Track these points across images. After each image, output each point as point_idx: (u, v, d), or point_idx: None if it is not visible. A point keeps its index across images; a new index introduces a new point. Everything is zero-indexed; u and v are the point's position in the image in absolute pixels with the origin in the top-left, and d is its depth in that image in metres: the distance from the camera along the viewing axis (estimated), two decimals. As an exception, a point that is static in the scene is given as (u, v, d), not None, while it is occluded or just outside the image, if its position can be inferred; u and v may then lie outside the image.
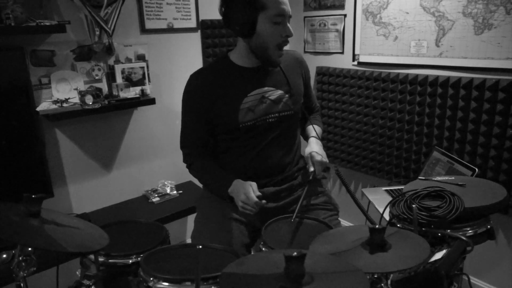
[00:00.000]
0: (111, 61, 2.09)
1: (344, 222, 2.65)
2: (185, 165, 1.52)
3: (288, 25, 1.33)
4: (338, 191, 2.80)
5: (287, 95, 1.44)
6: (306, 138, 1.57)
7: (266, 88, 1.42)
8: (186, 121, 1.46)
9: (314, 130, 1.54)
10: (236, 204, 1.32)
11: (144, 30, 2.20)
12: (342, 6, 2.45)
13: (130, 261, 1.14)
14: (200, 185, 2.39)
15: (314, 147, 1.45)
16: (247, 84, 1.40)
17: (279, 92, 1.43)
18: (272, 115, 1.42)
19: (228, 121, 1.39)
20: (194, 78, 1.42)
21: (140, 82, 2.13)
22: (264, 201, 1.25)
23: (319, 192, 1.55)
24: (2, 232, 0.85)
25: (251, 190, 1.27)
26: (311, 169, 1.40)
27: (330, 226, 1.28)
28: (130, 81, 2.09)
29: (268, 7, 1.28)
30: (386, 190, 1.99)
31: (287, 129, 1.48)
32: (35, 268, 0.96)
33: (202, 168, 1.47)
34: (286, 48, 1.43)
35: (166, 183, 2.37)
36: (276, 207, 1.44)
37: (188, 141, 1.48)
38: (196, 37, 2.44)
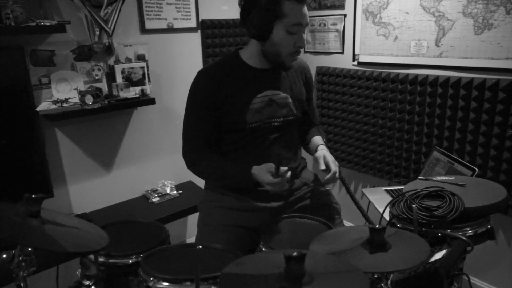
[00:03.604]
0: (111, 61, 2.09)
1: (344, 222, 2.65)
2: (185, 164, 1.48)
3: (304, 35, 1.33)
4: (338, 191, 2.80)
5: (291, 100, 1.45)
6: (314, 146, 1.54)
7: (274, 91, 1.42)
8: (190, 117, 1.42)
9: (322, 139, 1.56)
10: (263, 186, 1.28)
11: (144, 30, 2.20)
12: (342, 6, 2.45)
13: (130, 261, 1.14)
14: (200, 185, 2.40)
15: (327, 153, 1.45)
16: (257, 85, 1.40)
17: (285, 96, 1.44)
18: (277, 119, 1.42)
19: (236, 120, 1.38)
20: (202, 76, 1.40)
21: (140, 82, 2.13)
22: (287, 172, 1.23)
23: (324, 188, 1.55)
24: (2, 232, 0.85)
25: (273, 166, 1.25)
26: (333, 170, 1.37)
27: (330, 226, 1.28)
28: (130, 81, 2.09)
29: (287, 16, 1.27)
30: (386, 190, 1.99)
31: (289, 133, 1.48)
32: (35, 268, 0.96)
33: (209, 162, 1.41)
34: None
35: (166, 183, 2.37)
36: (277, 207, 1.44)
37: (191, 136, 1.43)
38: (196, 37, 2.43)
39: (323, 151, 1.46)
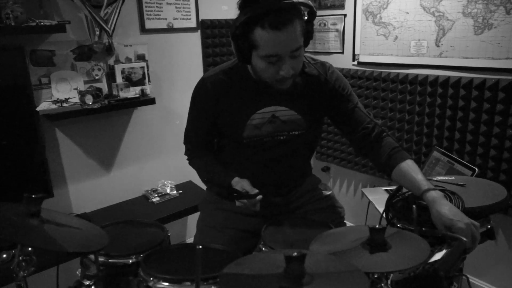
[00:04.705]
0: (111, 61, 2.09)
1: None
2: (184, 164, 1.50)
3: (290, 61, 1.16)
4: (338, 191, 2.80)
5: (300, 116, 1.33)
6: (414, 183, 1.18)
7: (278, 107, 1.31)
8: (191, 120, 1.43)
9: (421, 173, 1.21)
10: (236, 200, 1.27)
11: (144, 30, 2.20)
12: (342, 6, 2.45)
13: (130, 261, 1.14)
14: (200, 185, 2.40)
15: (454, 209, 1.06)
16: (258, 100, 1.31)
17: (292, 112, 1.32)
18: (281, 133, 1.34)
19: (232, 134, 1.35)
20: (203, 85, 1.34)
21: (140, 82, 2.13)
22: (257, 193, 1.22)
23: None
24: (2, 232, 0.85)
25: (249, 183, 1.24)
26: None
27: (330, 226, 1.28)
28: (130, 81, 2.09)
29: (260, 46, 1.13)
30: (386, 190, 1.99)
31: (298, 147, 1.40)
32: (35, 268, 0.96)
33: (202, 164, 1.43)
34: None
35: (166, 183, 2.37)
36: (279, 212, 1.43)
37: (191, 138, 1.46)
38: (196, 37, 2.43)
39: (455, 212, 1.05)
